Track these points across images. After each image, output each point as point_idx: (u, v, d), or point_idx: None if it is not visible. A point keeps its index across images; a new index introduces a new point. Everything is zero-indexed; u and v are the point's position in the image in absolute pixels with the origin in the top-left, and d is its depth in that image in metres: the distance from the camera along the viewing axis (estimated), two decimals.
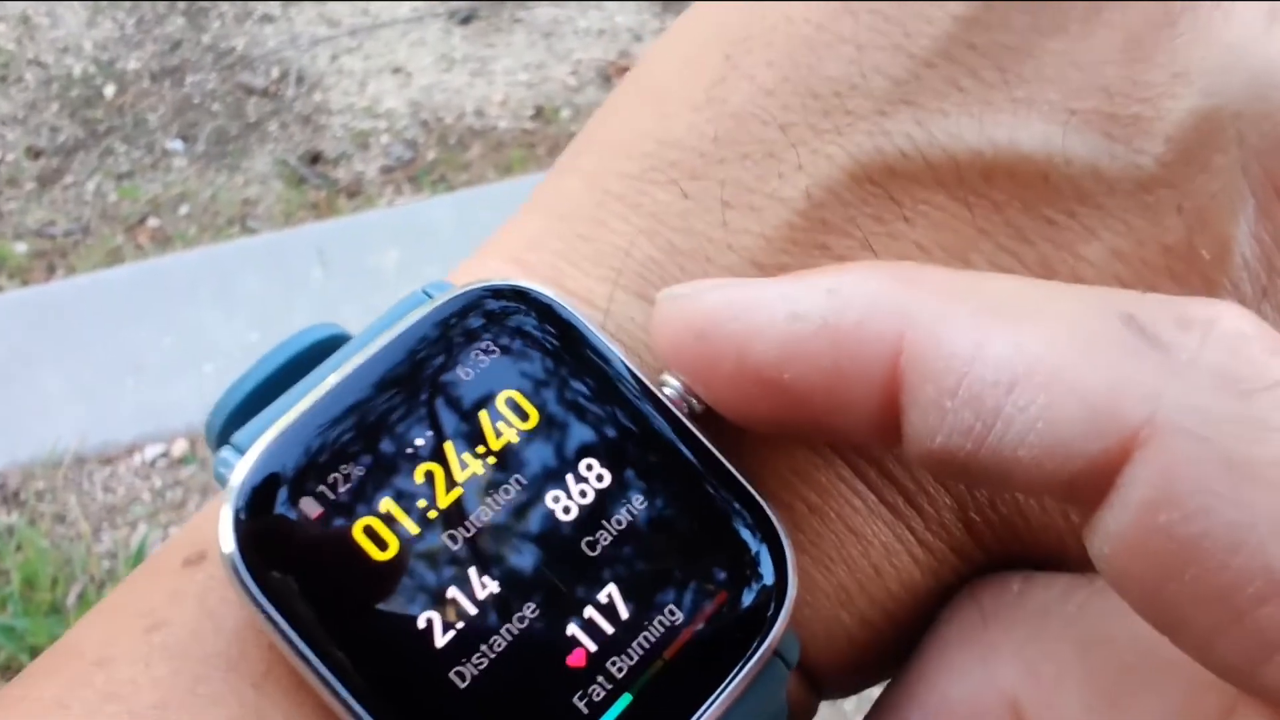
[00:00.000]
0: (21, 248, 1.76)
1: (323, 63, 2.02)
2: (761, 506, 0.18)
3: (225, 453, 0.17)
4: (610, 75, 1.95)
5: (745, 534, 0.18)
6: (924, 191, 0.18)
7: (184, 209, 1.81)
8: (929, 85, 0.18)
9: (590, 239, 0.19)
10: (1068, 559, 0.19)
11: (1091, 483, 0.14)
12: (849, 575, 0.18)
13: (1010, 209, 0.18)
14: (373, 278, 1.60)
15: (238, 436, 0.17)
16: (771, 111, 0.19)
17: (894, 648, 0.19)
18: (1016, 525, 0.18)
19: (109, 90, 2.01)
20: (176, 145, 1.91)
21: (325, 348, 0.19)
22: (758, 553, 0.17)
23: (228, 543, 0.16)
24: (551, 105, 1.92)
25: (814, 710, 0.20)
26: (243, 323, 1.57)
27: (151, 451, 1.44)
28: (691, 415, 0.18)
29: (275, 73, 2.01)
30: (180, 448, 1.45)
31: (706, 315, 0.17)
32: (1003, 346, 0.15)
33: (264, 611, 0.16)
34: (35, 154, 1.92)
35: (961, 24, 0.18)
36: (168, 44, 2.06)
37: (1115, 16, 0.18)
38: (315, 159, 1.88)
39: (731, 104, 0.19)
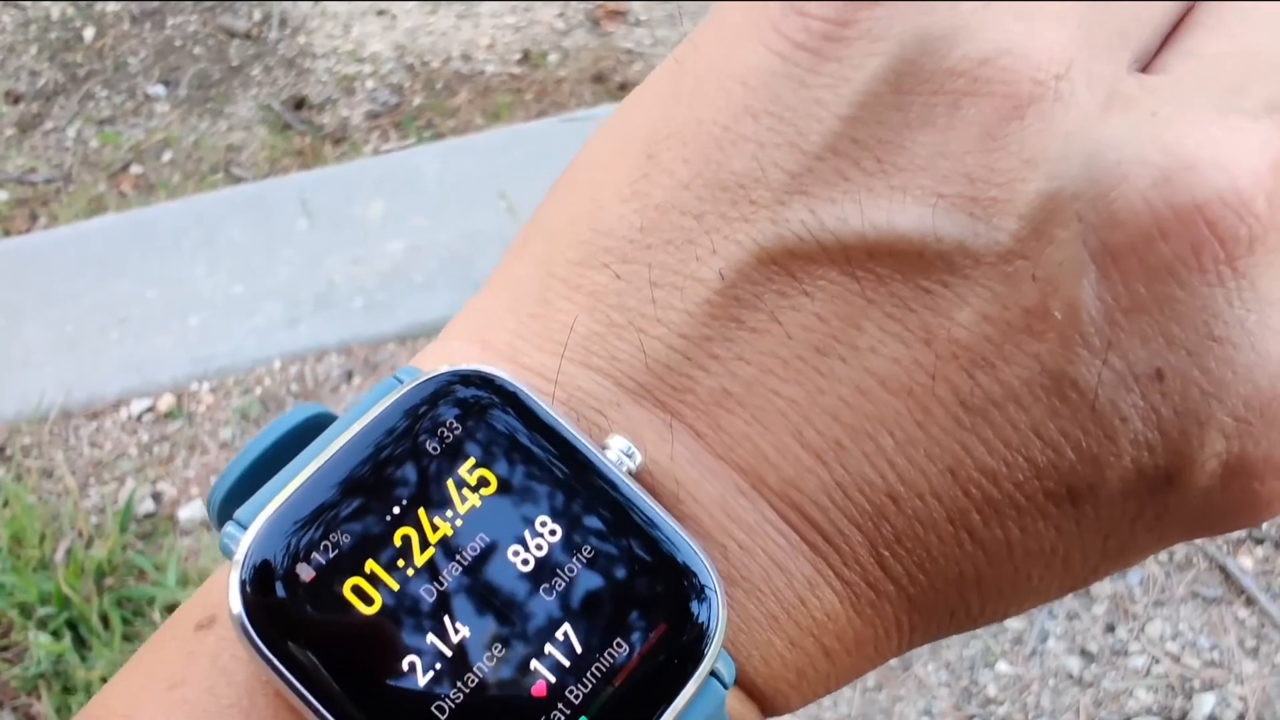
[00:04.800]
0: (2, 195, 1.74)
1: (305, 4, 1.98)
2: (692, 548, 0.21)
3: (230, 528, 0.20)
4: (598, 18, 1.92)
5: (679, 573, 0.20)
6: (819, 269, 0.21)
7: (167, 155, 1.78)
8: (820, 176, 0.21)
9: (539, 317, 0.23)
10: (965, 588, 0.22)
11: None
12: (777, 604, 0.21)
13: (893, 281, 0.21)
14: (358, 228, 1.59)
15: (240, 513, 0.20)
16: (688, 203, 0.22)
17: (826, 667, 0.22)
18: (921, 559, 0.21)
19: (88, 33, 1.97)
20: (158, 90, 1.88)
21: (308, 426, 0.21)
22: (691, 588, 0.20)
23: (236, 607, 0.19)
24: (539, 49, 1.88)
25: None
26: (227, 275, 1.55)
27: (138, 406, 1.44)
28: (629, 473, 0.21)
29: (257, 15, 1.97)
30: (167, 402, 1.44)
31: None
32: None
33: (270, 664, 0.19)
34: (14, 99, 1.89)
35: (845, 122, 0.21)
36: None
37: (973, 112, 0.20)
38: (300, 104, 1.85)
39: (654, 197, 0.22)
